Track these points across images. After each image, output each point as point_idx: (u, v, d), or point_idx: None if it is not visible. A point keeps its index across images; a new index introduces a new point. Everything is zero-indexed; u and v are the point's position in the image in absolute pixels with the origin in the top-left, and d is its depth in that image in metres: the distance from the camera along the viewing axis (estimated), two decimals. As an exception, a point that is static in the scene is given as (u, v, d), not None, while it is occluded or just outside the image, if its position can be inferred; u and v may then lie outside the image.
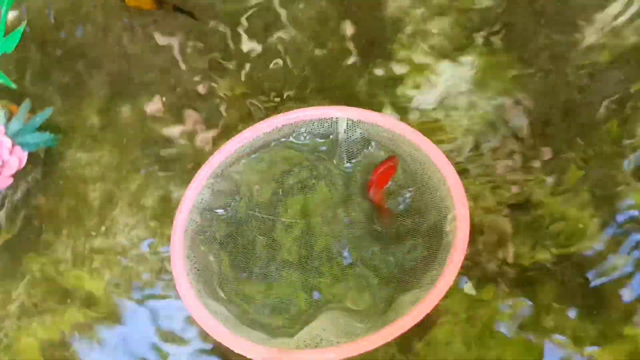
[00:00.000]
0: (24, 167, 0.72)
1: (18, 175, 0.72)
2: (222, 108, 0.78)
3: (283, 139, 0.70)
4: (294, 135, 0.70)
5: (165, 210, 0.73)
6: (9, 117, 0.72)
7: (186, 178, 0.66)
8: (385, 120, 0.66)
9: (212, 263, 0.66)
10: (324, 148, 0.71)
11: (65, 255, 0.72)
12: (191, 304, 0.58)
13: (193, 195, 0.65)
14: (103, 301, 0.69)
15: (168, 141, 0.77)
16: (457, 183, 0.61)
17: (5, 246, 0.73)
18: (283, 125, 0.68)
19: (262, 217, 0.69)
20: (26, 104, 0.73)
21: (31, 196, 0.75)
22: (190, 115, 0.78)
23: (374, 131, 0.67)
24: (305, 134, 0.70)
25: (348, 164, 0.71)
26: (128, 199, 0.74)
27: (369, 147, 0.70)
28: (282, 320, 0.63)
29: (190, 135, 0.77)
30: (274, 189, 0.70)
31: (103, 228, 0.73)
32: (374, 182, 0.66)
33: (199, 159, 0.76)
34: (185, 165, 0.75)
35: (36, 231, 0.74)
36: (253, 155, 0.71)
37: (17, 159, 0.69)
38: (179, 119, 0.78)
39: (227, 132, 0.76)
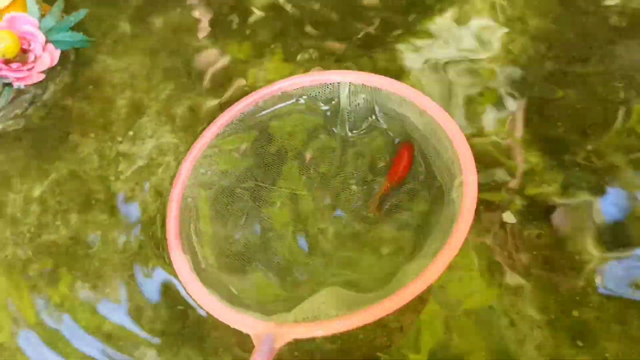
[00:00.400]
0: (54, 67, 0.72)
1: (48, 75, 0.72)
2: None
3: (283, 104, 0.68)
4: (295, 100, 0.68)
5: (193, 121, 0.73)
6: (43, 14, 0.72)
7: (217, 92, 0.66)
8: (388, 83, 0.63)
9: (206, 233, 0.64)
10: (328, 113, 0.69)
11: (91, 157, 0.72)
12: (186, 277, 0.56)
13: (189, 167, 0.63)
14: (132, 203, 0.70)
15: (199, 53, 0.76)
16: (464, 147, 0.58)
17: (31, 144, 0.73)
18: (283, 93, 0.66)
19: (259, 185, 0.67)
20: (60, 2, 0.73)
21: (59, 97, 0.75)
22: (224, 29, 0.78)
23: (377, 96, 0.65)
24: (307, 100, 0.68)
25: (350, 134, 0.69)
26: (156, 107, 0.74)
27: (373, 115, 0.67)
28: (279, 294, 0.61)
29: (223, 49, 0.77)
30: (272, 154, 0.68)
31: (131, 133, 0.73)
32: (395, 175, 0.65)
33: (230, 73, 0.75)
34: (217, 78, 0.75)
35: (63, 132, 0.73)
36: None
37: (50, 55, 0.68)
38: (211, 33, 0.78)
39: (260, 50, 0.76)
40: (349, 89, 0.66)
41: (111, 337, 0.63)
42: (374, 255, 0.64)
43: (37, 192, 0.70)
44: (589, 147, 0.69)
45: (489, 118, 0.72)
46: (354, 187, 0.67)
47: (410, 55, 0.77)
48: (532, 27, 0.78)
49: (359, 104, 0.66)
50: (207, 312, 0.53)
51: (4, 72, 0.65)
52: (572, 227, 0.66)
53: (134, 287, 0.65)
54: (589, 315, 0.63)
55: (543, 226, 0.66)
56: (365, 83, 0.64)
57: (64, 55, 0.73)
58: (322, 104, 0.68)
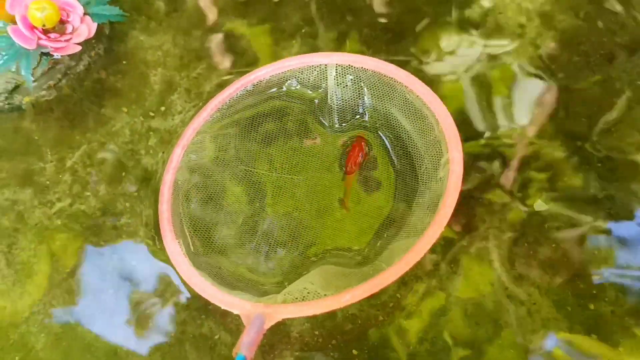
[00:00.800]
0: (89, 40, 0.73)
1: (83, 48, 0.73)
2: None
3: (272, 90, 0.69)
4: (284, 86, 0.68)
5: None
6: (81, -13, 0.72)
7: (245, 73, 0.67)
8: (374, 64, 0.64)
9: (199, 218, 0.65)
10: (316, 101, 0.69)
11: (123, 131, 0.73)
12: (178, 261, 0.58)
13: (180, 153, 0.64)
14: (155, 178, 0.71)
15: (231, 33, 0.77)
16: (450, 125, 0.59)
17: (64, 115, 0.74)
18: (271, 77, 0.66)
19: (249, 169, 0.69)
20: (97, -24, 0.73)
21: (93, 71, 0.76)
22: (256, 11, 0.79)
23: (365, 77, 0.65)
24: (295, 85, 0.68)
25: (338, 125, 0.70)
26: (187, 85, 0.75)
27: (363, 98, 0.68)
28: (269, 276, 0.63)
29: (252, 30, 0.77)
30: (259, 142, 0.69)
31: (162, 108, 0.74)
32: (349, 170, 0.67)
33: (260, 52, 0.76)
34: (247, 58, 0.76)
35: (96, 104, 0.74)
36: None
37: (87, 27, 0.69)
38: (242, 13, 0.79)
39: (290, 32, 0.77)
40: (336, 71, 0.65)
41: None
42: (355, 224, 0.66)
43: (68, 162, 0.71)
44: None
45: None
46: (333, 173, 0.68)
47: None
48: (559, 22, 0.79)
49: (347, 85, 0.66)
50: (199, 294, 0.55)
51: (43, 42, 0.66)
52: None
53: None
54: (605, 309, 0.64)
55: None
56: (352, 64, 0.64)
57: (99, 29, 0.74)
58: (309, 91, 0.68)
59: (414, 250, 0.52)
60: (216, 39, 0.78)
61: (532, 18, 0.79)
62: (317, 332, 0.63)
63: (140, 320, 0.63)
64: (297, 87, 0.68)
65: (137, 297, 0.64)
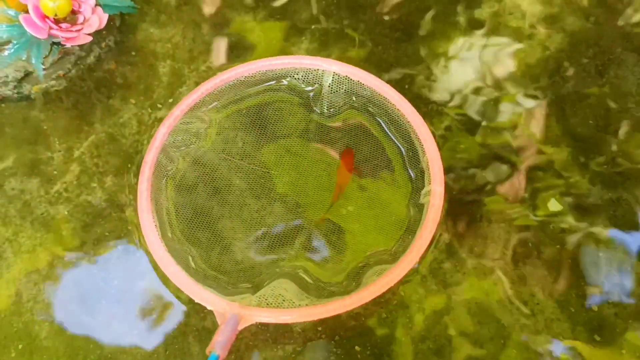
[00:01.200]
0: (100, 31, 0.73)
1: (93, 39, 0.73)
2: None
3: (266, 84, 0.69)
4: (280, 81, 0.69)
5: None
6: (93, -22, 0.72)
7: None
8: (371, 81, 0.64)
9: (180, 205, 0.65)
10: (311, 94, 0.70)
11: (131, 122, 0.73)
12: (155, 247, 0.57)
13: (165, 132, 0.63)
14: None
15: (241, 27, 0.77)
16: (436, 157, 0.59)
17: (73, 105, 0.74)
18: (267, 71, 0.66)
19: (236, 161, 0.68)
20: (109, -32, 0.73)
21: (103, 61, 0.76)
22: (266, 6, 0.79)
23: (359, 90, 0.66)
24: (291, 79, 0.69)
25: (329, 117, 0.70)
26: (196, 78, 0.75)
27: (352, 102, 0.68)
28: (241, 274, 0.62)
29: (263, 25, 0.78)
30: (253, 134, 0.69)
31: (170, 100, 0.74)
32: (342, 182, 0.67)
33: (271, 48, 0.77)
34: (258, 52, 0.76)
35: (105, 95, 0.74)
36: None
37: (98, 18, 0.69)
38: (252, 7, 0.79)
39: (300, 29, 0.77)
40: (332, 79, 0.66)
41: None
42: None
43: (75, 153, 0.72)
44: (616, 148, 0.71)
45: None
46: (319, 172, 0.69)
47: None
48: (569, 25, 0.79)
49: (339, 93, 0.67)
50: (173, 282, 0.54)
51: (54, 31, 0.66)
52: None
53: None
54: (608, 311, 0.64)
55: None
56: (350, 76, 0.65)
57: (109, 21, 0.74)
58: (304, 86, 0.69)
59: (388, 277, 0.53)
60: (226, 32, 0.78)
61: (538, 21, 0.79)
62: (320, 328, 0.63)
63: (144, 312, 0.64)
64: (292, 82, 0.69)
65: (141, 289, 0.64)
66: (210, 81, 0.66)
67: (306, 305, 0.53)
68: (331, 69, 0.65)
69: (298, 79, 0.68)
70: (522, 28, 0.79)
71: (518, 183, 0.69)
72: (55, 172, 0.70)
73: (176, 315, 0.63)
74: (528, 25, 0.80)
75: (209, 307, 0.53)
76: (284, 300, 0.54)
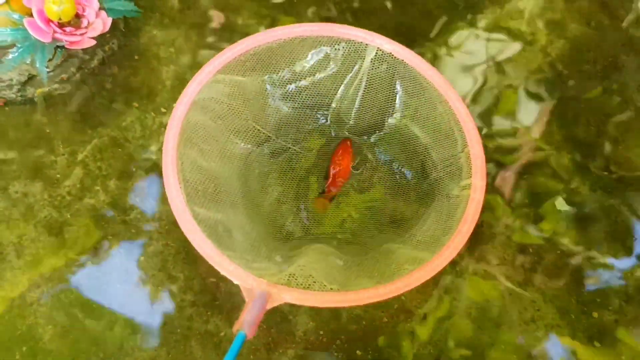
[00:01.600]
0: (104, 35, 0.73)
1: (97, 42, 0.73)
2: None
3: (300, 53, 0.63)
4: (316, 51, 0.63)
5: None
6: (97, -18, 0.73)
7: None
8: (416, 61, 0.60)
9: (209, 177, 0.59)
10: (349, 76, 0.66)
11: (134, 125, 0.73)
12: (181, 215, 0.51)
13: (196, 88, 0.57)
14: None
15: (245, 33, 0.77)
16: (479, 150, 0.56)
17: (76, 109, 0.74)
18: (307, 36, 0.60)
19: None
20: (114, -28, 0.74)
21: (106, 65, 0.76)
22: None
23: (401, 70, 0.62)
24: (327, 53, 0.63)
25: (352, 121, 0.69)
26: (199, 83, 0.75)
27: (395, 88, 0.64)
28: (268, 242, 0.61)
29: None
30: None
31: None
32: (334, 178, 0.68)
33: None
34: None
35: (108, 99, 0.75)
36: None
37: (102, 22, 0.70)
38: (256, 10, 0.79)
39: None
40: (376, 54, 0.61)
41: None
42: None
43: (79, 156, 0.72)
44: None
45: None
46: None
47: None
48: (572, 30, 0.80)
49: (380, 72, 0.63)
50: (198, 252, 0.50)
51: (58, 35, 0.66)
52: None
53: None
54: (608, 317, 0.65)
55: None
56: (394, 53, 0.60)
57: (113, 25, 0.74)
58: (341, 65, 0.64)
59: (425, 269, 0.50)
60: (229, 35, 0.78)
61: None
62: (321, 332, 0.64)
63: (147, 315, 0.64)
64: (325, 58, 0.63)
65: (145, 292, 0.65)
66: (244, 41, 0.60)
67: (338, 290, 0.50)
68: (375, 43, 0.61)
69: (338, 49, 0.62)
70: (524, 33, 0.80)
71: (512, 181, 0.70)
72: (58, 176, 0.71)
73: (178, 318, 0.64)
74: (529, 31, 0.80)
75: (235, 282, 0.49)
76: (314, 282, 0.50)
